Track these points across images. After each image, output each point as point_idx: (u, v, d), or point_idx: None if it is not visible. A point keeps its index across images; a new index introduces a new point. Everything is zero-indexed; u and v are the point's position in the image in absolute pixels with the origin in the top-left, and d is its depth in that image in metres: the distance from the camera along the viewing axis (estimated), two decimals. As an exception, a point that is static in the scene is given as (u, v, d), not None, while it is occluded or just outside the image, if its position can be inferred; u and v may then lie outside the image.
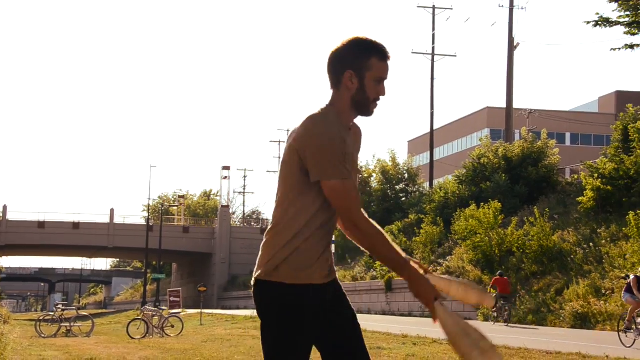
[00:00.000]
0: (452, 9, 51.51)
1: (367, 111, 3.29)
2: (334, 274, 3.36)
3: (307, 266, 3.19)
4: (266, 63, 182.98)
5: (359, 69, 3.22)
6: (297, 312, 3.18)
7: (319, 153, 3.11)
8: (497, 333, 18.80)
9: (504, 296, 24.38)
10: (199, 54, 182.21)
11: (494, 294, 23.99)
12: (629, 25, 16.04)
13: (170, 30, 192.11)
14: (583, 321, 22.15)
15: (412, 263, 3.24)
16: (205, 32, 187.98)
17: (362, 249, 3.34)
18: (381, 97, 3.28)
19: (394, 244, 3.22)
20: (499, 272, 26.35)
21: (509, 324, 24.30)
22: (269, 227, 3.27)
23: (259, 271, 3.24)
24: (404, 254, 3.23)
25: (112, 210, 70.93)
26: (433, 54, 50.45)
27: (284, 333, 3.19)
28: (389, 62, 3.29)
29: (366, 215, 3.22)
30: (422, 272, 3.27)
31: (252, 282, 3.28)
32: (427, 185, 50.39)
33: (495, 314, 25.15)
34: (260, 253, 3.27)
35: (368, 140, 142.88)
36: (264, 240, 3.27)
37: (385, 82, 3.30)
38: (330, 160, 3.11)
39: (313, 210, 3.21)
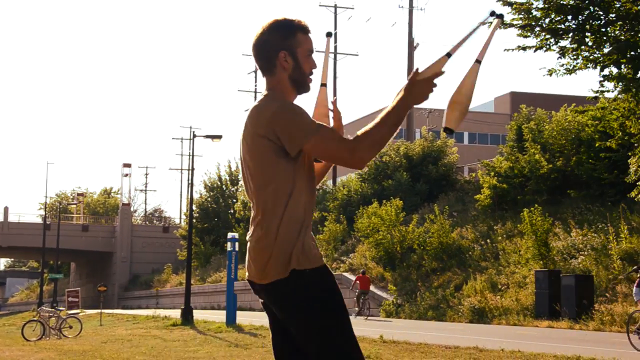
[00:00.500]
0: (353, 8, 52.21)
1: (306, 86, 3.31)
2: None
3: (316, 247, 3.20)
4: (168, 60, 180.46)
5: (289, 47, 3.24)
6: (336, 289, 3.16)
7: (287, 124, 3.09)
8: (397, 329, 19.14)
9: (365, 292, 27.13)
10: (99, 49, 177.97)
11: (357, 291, 27.41)
12: (522, 27, 16.59)
13: (68, 24, 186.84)
14: (480, 316, 22.81)
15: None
16: (104, 26, 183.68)
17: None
18: (314, 71, 3.32)
19: (379, 117, 3.12)
20: (362, 270, 29.01)
21: (368, 318, 25.91)
22: (265, 225, 3.13)
23: (281, 267, 3.11)
24: (391, 104, 3.14)
25: (6, 209, 68.52)
26: (335, 53, 50.93)
27: (337, 313, 3.11)
28: (310, 35, 3.33)
29: (350, 137, 3.14)
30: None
31: (272, 279, 3.12)
32: (330, 183, 50.83)
33: (357, 309, 27.20)
34: (264, 250, 3.13)
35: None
36: (263, 236, 3.13)
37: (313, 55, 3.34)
38: (298, 122, 3.10)
39: (306, 190, 3.19)
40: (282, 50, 3.23)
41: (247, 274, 3.31)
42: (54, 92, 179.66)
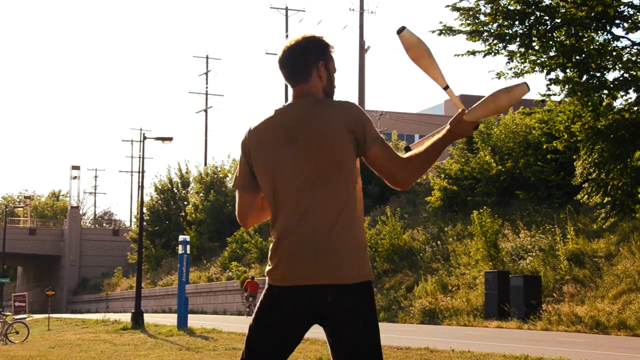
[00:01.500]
0: (304, 10, 52.46)
1: None
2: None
3: None
4: (118, 61, 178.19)
5: (325, 60, 3.30)
6: None
7: (369, 124, 3.17)
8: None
9: (253, 295, 30.93)
10: (46, 47, 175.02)
11: (245, 295, 31.65)
12: (470, 33, 16.83)
13: (14, 21, 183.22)
14: (431, 317, 23.03)
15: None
16: (52, 24, 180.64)
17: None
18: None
19: (427, 145, 3.20)
20: (251, 275, 32.99)
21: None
22: (350, 222, 3.09)
23: (359, 272, 3.08)
24: (439, 137, 3.22)
25: (-50, 212, 67.05)
26: (287, 55, 50.95)
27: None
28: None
29: (402, 155, 3.21)
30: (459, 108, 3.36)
31: (364, 279, 3.09)
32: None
33: (248, 311, 30.69)
34: (359, 249, 3.09)
35: (224, 141, 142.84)
36: (354, 233, 3.08)
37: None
38: (373, 125, 3.20)
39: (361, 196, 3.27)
40: (321, 61, 3.28)
41: (294, 274, 3.09)
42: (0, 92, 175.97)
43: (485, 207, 25.55)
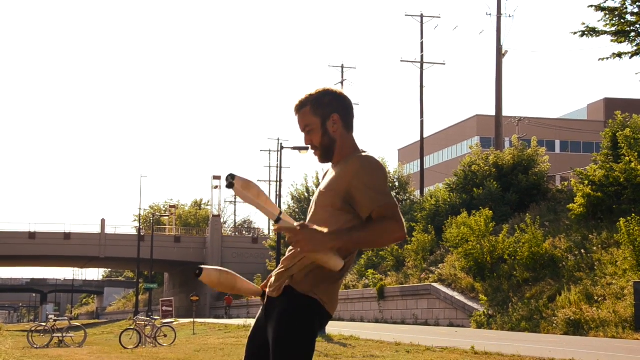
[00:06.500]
0: (439, 17, 51.84)
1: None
2: (271, 288, 3.67)
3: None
4: (257, 71, 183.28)
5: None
6: None
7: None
8: (489, 340, 18.83)
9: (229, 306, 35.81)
10: (189, 64, 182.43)
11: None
12: (615, 34, 16.11)
13: (160, 38, 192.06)
14: (576, 328, 22.23)
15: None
16: (195, 40, 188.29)
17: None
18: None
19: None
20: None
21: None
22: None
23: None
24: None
25: (103, 221, 70.84)
26: (422, 62, 50.68)
27: None
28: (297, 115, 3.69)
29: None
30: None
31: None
32: (418, 193, 50.48)
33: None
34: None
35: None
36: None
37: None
38: None
39: None
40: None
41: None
42: (148, 107, 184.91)
43: (633, 214, 24.40)
